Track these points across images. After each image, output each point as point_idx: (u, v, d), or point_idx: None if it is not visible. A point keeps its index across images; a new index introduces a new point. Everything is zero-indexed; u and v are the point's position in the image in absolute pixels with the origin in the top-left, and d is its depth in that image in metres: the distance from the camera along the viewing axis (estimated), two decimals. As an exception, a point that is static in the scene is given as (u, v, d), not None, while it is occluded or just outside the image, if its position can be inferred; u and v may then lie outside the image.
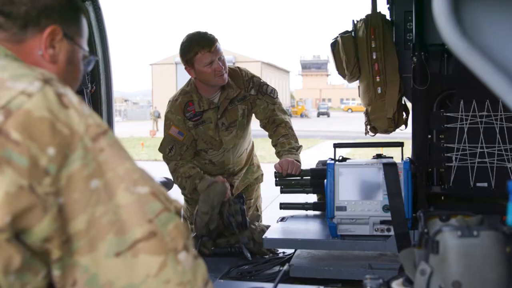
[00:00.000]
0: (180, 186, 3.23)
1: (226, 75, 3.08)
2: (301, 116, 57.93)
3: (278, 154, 3.19)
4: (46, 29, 1.27)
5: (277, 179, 3.31)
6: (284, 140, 3.19)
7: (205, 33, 3.05)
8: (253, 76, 3.27)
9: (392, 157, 2.90)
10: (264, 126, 3.37)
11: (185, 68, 3.11)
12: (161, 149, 3.28)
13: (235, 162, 3.47)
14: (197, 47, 3.00)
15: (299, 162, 3.08)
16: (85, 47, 1.47)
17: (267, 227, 3.12)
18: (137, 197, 1.06)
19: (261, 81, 3.32)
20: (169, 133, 3.20)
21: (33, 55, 1.26)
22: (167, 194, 1.13)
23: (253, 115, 3.37)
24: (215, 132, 3.23)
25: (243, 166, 3.57)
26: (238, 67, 3.32)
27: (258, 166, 3.78)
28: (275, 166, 3.04)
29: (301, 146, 3.25)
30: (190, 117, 3.18)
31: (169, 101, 3.24)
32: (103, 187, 1.03)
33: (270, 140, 3.32)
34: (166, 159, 3.25)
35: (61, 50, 1.32)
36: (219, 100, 3.20)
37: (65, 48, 1.35)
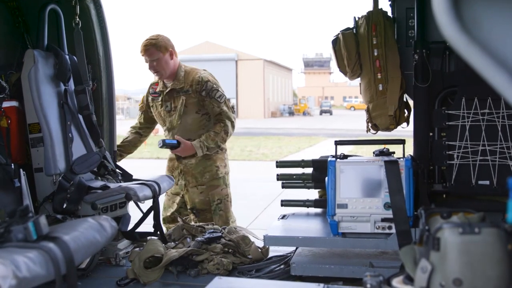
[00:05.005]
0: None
1: (161, 73, 3.90)
2: (304, 114, 57.79)
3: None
4: None
5: (278, 174, 3.38)
6: (209, 134, 3.87)
7: (146, 40, 3.91)
8: (208, 81, 3.90)
9: (394, 152, 2.89)
10: (214, 123, 3.95)
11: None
12: None
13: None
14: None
15: (195, 151, 3.84)
16: None
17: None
18: None
19: (214, 87, 3.90)
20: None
21: None
22: None
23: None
24: (162, 110, 4.01)
25: (192, 156, 3.93)
26: (200, 71, 3.97)
27: (219, 167, 4.03)
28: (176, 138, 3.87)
29: (214, 147, 3.90)
30: (152, 92, 4.12)
31: None
32: None
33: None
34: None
35: None
36: (168, 86, 3.98)
37: None
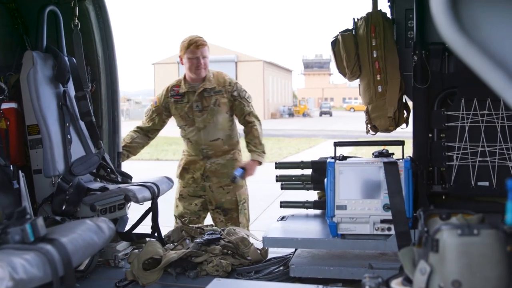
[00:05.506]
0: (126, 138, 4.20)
1: (204, 72, 4.01)
2: (303, 115, 57.79)
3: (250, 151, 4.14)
4: None
5: (278, 175, 3.39)
6: (254, 142, 4.10)
7: (194, 38, 4.02)
8: (237, 83, 4.16)
9: (393, 153, 2.88)
10: (242, 123, 4.17)
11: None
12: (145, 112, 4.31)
13: (208, 145, 4.05)
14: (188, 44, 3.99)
15: (259, 163, 4.05)
16: None
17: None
18: None
19: (242, 88, 4.15)
20: (151, 102, 4.30)
21: None
22: None
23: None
24: (190, 110, 4.04)
25: (220, 155, 4.08)
26: (225, 74, 4.20)
27: (240, 162, 4.17)
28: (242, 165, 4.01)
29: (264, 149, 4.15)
30: (173, 95, 4.12)
31: None
32: None
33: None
34: (142, 121, 4.29)
35: None
36: (197, 88, 4.05)
37: None
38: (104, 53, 3.88)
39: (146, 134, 4.23)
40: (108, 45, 3.87)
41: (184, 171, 4.15)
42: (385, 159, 2.79)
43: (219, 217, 4.08)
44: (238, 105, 4.07)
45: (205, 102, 4.02)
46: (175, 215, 4.12)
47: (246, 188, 4.16)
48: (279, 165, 3.45)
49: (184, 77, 4.12)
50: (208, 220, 4.20)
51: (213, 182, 4.06)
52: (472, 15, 0.88)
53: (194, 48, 3.94)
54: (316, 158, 3.40)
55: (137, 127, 4.26)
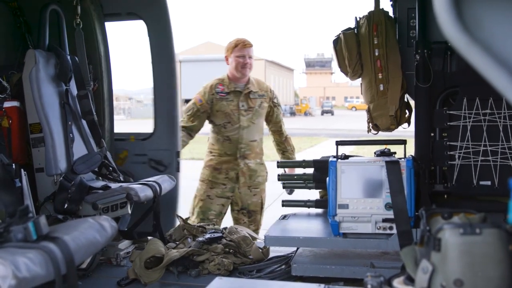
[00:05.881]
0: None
1: (248, 72, 4.17)
2: (305, 114, 57.69)
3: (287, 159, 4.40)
4: None
5: (279, 175, 3.39)
6: (292, 149, 4.47)
7: (241, 39, 4.24)
8: (273, 90, 4.41)
9: (395, 152, 2.88)
10: (273, 130, 4.40)
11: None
12: (184, 111, 4.25)
13: (247, 144, 4.15)
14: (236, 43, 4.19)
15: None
16: None
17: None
18: None
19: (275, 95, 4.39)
20: (193, 101, 4.23)
21: None
22: None
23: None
24: (235, 109, 4.14)
25: (253, 157, 4.19)
26: (264, 81, 4.44)
27: (267, 172, 4.36)
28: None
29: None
30: (218, 91, 4.17)
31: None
32: None
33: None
34: (183, 120, 4.20)
35: None
36: (243, 88, 4.19)
37: None
38: (106, 52, 3.88)
39: (189, 133, 4.22)
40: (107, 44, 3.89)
41: (216, 171, 4.18)
42: (387, 158, 2.78)
43: (243, 218, 4.18)
44: (275, 112, 4.32)
45: (250, 103, 4.18)
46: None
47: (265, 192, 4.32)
48: (281, 164, 3.45)
49: (228, 77, 4.21)
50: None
51: (241, 183, 4.15)
52: (475, 14, 0.88)
53: (241, 47, 4.12)
54: (317, 157, 3.40)
55: (183, 127, 4.20)
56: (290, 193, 3.83)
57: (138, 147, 4.06)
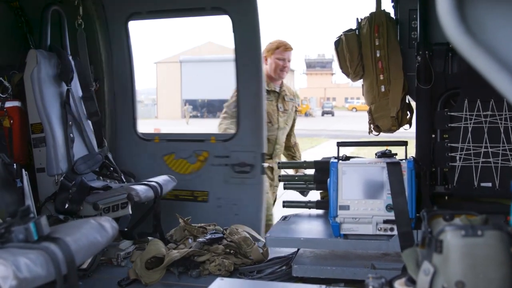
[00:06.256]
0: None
1: (285, 75, 4.26)
2: (306, 115, 57.62)
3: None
4: None
5: (281, 176, 3.39)
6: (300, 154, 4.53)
7: (284, 41, 4.29)
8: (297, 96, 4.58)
9: (396, 154, 2.88)
10: (287, 134, 4.40)
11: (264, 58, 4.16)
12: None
13: (280, 145, 4.28)
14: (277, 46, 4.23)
15: None
16: None
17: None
18: None
19: None
20: None
21: None
22: None
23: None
24: (275, 109, 4.22)
25: (280, 156, 4.35)
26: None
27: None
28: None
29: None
30: (267, 89, 4.19)
31: None
32: None
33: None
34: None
35: None
36: (279, 90, 4.30)
37: None
38: (107, 52, 3.89)
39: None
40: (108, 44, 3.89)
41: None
42: (388, 160, 2.78)
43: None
44: (295, 117, 4.42)
45: (285, 105, 4.30)
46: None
47: None
48: (282, 165, 3.45)
49: (266, 77, 4.21)
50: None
51: (271, 180, 4.23)
52: (478, 16, 0.88)
53: (283, 50, 4.19)
54: (318, 158, 3.40)
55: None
56: (305, 194, 3.80)
57: (219, 149, 3.92)
